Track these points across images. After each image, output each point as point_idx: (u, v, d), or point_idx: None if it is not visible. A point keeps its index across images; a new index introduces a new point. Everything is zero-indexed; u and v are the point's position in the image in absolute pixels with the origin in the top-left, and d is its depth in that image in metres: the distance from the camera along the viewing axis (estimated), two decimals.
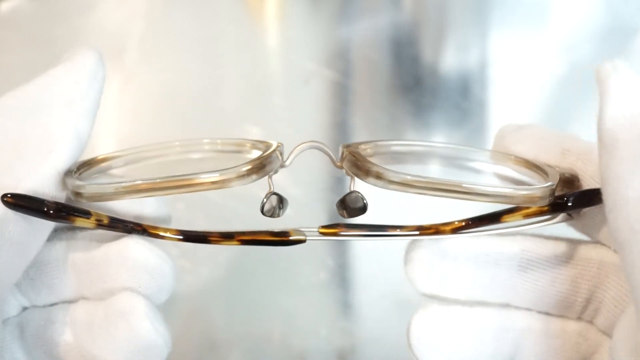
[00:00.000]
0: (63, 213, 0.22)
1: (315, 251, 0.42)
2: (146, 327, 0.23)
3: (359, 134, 0.49)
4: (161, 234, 0.23)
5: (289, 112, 0.49)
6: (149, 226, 0.24)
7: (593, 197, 0.23)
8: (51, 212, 0.22)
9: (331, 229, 0.24)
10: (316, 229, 0.24)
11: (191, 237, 0.24)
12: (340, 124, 0.50)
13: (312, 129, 0.49)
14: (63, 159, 0.22)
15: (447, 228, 0.24)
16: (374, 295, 0.41)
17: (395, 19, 0.55)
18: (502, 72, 0.52)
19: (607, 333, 0.24)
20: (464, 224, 0.24)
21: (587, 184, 0.24)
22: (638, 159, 0.21)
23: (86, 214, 0.23)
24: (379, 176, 0.23)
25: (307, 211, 0.42)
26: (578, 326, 0.25)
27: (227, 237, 0.24)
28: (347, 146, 0.24)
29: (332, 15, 0.56)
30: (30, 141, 0.22)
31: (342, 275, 0.42)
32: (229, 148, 0.25)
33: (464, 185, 0.22)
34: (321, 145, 0.24)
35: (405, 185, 0.23)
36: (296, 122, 0.48)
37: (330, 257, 0.42)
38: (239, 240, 0.24)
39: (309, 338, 0.40)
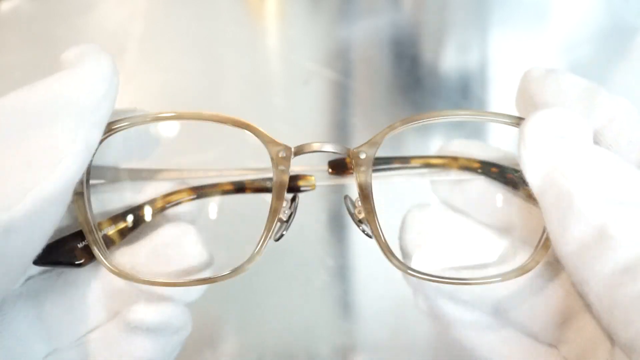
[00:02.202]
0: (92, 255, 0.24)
1: (315, 251, 0.42)
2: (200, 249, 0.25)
3: (359, 134, 0.49)
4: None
5: (289, 112, 0.49)
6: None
7: None
8: (82, 260, 0.24)
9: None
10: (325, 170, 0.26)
11: (203, 192, 0.26)
12: (340, 124, 0.50)
13: (312, 129, 0.49)
14: (72, 171, 0.21)
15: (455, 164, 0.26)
16: (374, 295, 0.41)
17: (395, 19, 0.55)
18: (502, 72, 0.52)
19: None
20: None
21: (609, 144, 0.24)
22: (562, 222, 0.21)
23: (110, 241, 0.25)
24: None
25: (306, 211, 0.42)
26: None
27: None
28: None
29: (332, 15, 0.56)
30: (37, 150, 0.21)
31: (342, 275, 0.42)
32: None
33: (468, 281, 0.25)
34: None
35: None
36: (296, 122, 0.48)
37: (330, 257, 0.42)
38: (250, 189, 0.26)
39: (308, 338, 0.40)
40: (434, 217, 0.27)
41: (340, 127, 0.50)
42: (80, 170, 0.22)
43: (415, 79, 0.51)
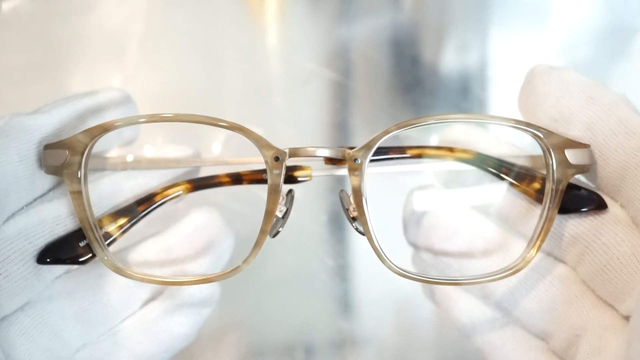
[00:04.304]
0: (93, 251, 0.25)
1: (315, 251, 0.42)
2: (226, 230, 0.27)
3: (359, 134, 0.49)
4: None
5: (289, 112, 0.49)
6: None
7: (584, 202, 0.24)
8: (88, 257, 0.25)
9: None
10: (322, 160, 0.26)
11: (200, 185, 0.26)
12: (340, 124, 0.50)
13: (312, 129, 0.49)
14: None
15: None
16: (374, 295, 0.41)
17: (395, 19, 0.55)
18: (502, 72, 0.52)
19: (587, 282, 0.25)
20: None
21: (605, 135, 0.24)
22: None
23: (108, 237, 0.25)
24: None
25: (306, 211, 0.42)
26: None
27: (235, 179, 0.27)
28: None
29: (332, 15, 0.56)
30: None
31: (342, 275, 0.42)
32: None
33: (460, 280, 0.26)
34: None
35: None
36: (296, 122, 0.48)
37: (330, 257, 0.42)
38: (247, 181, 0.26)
39: (308, 338, 0.40)
40: (434, 197, 0.28)
41: (341, 127, 0.50)
42: None
43: (415, 79, 0.51)
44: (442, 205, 0.28)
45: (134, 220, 0.26)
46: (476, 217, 0.27)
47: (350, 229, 0.43)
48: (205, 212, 0.27)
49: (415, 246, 0.28)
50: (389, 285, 0.40)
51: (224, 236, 0.27)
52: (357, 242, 0.42)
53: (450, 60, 0.52)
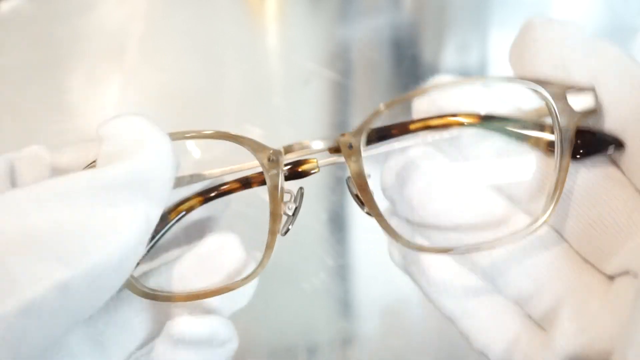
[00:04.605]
0: None
1: (315, 251, 0.42)
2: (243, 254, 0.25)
3: None
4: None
5: (289, 112, 0.49)
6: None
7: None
8: None
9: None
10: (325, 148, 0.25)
11: (211, 195, 0.26)
12: (340, 124, 0.50)
13: (312, 129, 0.49)
14: (129, 245, 0.20)
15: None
16: (373, 295, 0.41)
17: (395, 19, 0.55)
18: (502, 72, 0.52)
19: (572, 242, 0.24)
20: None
21: (610, 86, 0.23)
22: None
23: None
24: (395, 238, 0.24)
25: (307, 211, 0.42)
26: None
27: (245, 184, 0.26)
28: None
29: (332, 15, 0.56)
30: (102, 221, 0.20)
31: (342, 275, 0.42)
32: None
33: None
34: None
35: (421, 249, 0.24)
36: (296, 122, 0.48)
37: (330, 257, 0.42)
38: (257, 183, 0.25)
39: (308, 338, 0.40)
40: (421, 162, 0.27)
41: (341, 127, 0.50)
42: (138, 245, 0.21)
43: (415, 79, 0.51)
44: (438, 173, 0.26)
45: (151, 244, 0.25)
46: (478, 186, 0.26)
47: (350, 229, 0.43)
48: (223, 237, 0.26)
49: (393, 202, 0.27)
50: (389, 285, 0.40)
51: (243, 263, 0.26)
52: (357, 242, 0.42)
53: (450, 60, 0.52)
